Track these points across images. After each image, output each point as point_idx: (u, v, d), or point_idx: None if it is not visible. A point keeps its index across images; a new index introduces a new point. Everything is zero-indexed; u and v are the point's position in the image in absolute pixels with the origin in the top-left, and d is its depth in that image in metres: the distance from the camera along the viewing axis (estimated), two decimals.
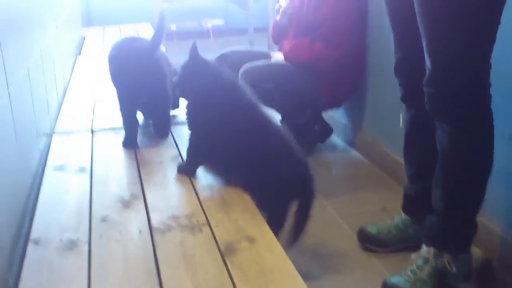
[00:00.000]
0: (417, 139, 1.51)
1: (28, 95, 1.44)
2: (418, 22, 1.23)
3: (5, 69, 1.16)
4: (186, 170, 1.41)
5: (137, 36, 1.86)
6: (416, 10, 1.23)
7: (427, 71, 1.25)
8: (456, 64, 1.20)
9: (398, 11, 1.41)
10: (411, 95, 1.48)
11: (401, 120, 1.91)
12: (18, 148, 1.24)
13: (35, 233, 1.12)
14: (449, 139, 1.26)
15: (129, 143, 1.60)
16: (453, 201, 1.31)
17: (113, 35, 3.50)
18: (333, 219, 1.83)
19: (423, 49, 1.25)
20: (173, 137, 1.71)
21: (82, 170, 1.46)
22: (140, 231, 1.14)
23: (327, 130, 2.48)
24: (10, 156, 1.15)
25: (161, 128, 1.68)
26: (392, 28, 1.46)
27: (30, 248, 1.06)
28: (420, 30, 1.23)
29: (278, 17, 2.40)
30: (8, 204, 1.09)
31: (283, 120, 2.61)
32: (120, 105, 1.60)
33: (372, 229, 1.63)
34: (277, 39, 2.50)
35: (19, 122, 1.26)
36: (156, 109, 1.66)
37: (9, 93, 1.17)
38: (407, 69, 1.45)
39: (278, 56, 2.37)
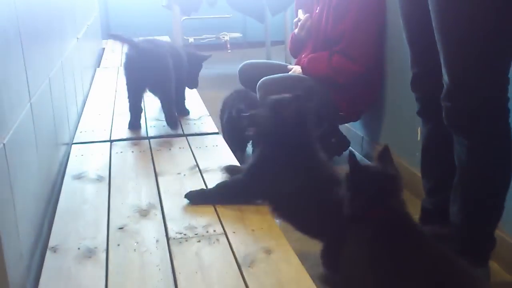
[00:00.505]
0: (435, 153, 1.50)
1: (49, 106, 1.46)
2: (436, 37, 1.22)
3: (27, 80, 1.18)
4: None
5: (154, 38, 2.00)
6: (434, 25, 1.22)
7: (444, 85, 1.24)
8: (474, 78, 1.19)
9: (415, 26, 1.41)
10: (428, 110, 1.47)
11: (419, 134, 1.90)
12: (38, 157, 1.25)
13: (53, 241, 1.13)
14: (467, 153, 1.25)
15: (133, 125, 1.90)
16: (471, 215, 1.30)
17: None
18: None
19: (439, 64, 1.24)
20: (190, 148, 1.72)
21: (100, 179, 1.47)
22: (157, 241, 1.14)
23: (344, 143, 2.46)
24: (30, 165, 1.17)
25: (168, 118, 1.86)
26: (409, 43, 1.45)
27: (48, 256, 1.08)
28: (438, 45, 1.23)
29: (296, 31, 2.42)
30: (27, 212, 1.11)
31: None
32: (127, 93, 1.88)
33: None
34: (295, 53, 2.51)
35: (40, 131, 1.28)
36: (161, 101, 1.89)
37: (31, 104, 1.20)
38: (424, 84, 1.44)
39: (296, 69, 2.38)
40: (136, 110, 1.90)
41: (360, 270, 1.09)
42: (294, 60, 2.57)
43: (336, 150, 2.45)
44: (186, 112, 2.08)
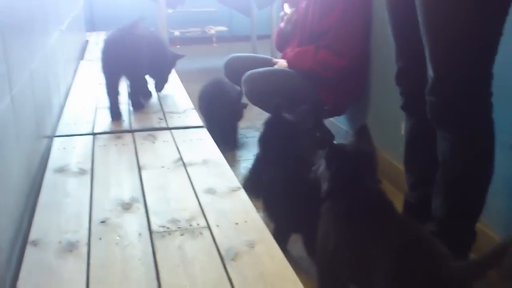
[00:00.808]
0: (418, 147, 1.52)
1: (31, 98, 1.44)
2: (422, 32, 1.23)
3: (8, 72, 1.16)
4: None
5: (133, 26, 2.05)
6: (420, 19, 1.23)
7: (429, 80, 1.25)
8: (459, 73, 1.21)
9: (400, 20, 1.42)
10: (412, 104, 1.48)
11: (402, 128, 1.91)
12: (19, 150, 1.24)
13: (34, 234, 1.12)
14: (450, 147, 1.27)
15: (114, 113, 1.95)
16: (454, 208, 1.31)
17: None
18: None
19: (424, 59, 1.25)
20: (174, 141, 1.71)
21: (82, 172, 1.46)
22: (140, 234, 1.13)
23: (329, 137, 2.47)
24: (10, 157, 1.16)
25: (132, 101, 2.05)
26: (394, 38, 1.46)
27: (29, 249, 1.06)
28: (423, 40, 1.24)
29: (282, 25, 2.41)
30: (7, 205, 1.09)
31: None
32: (104, 79, 1.99)
33: None
34: (281, 46, 2.50)
35: (21, 124, 1.27)
36: (130, 85, 2.05)
37: (11, 96, 1.18)
38: (408, 78, 1.45)
39: (281, 63, 2.38)
40: (113, 95, 1.97)
41: (334, 245, 1.15)
42: (280, 54, 2.57)
43: (321, 144, 2.46)
44: (162, 88, 2.26)
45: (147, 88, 2.24)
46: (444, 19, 1.19)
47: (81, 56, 3.13)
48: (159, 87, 2.28)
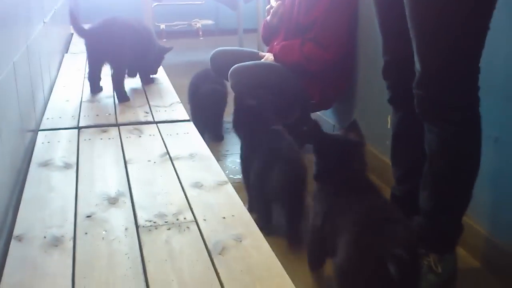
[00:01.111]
0: (405, 141, 1.52)
1: (14, 91, 1.42)
2: (409, 25, 1.23)
3: None
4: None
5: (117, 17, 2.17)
6: (407, 13, 1.23)
7: (417, 73, 1.25)
8: (446, 67, 1.21)
9: (387, 13, 1.41)
10: (398, 97, 1.49)
11: (389, 122, 1.92)
12: (2, 144, 1.22)
13: (18, 229, 1.10)
14: (437, 141, 1.27)
15: (93, 89, 2.14)
16: (440, 202, 1.32)
17: None
18: None
19: (411, 52, 1.26)
20: (161, 135, 1.70)
21: (67, 166, 1.44)
22: (126, 229, 1.13)
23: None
24: None
25: (116, 90, 2.10)
26: (381, 31, 1.46)
27: (13, 244, 1.05)
28: (411, 33, 1.24)
29: (268, 18, 2.40)
30: None
31: None
32: (88, 63, 2.17)
33: None
34: (268, 40, 2.49)
35: (4, 118, 1.24)
36: (112, 72, 2.12)
37: None
38: (395, 72, 1.46)
39: (268, 57, 2.37)
40: (94, 79, 2.15)
41: (323, 221, 1.25)
42: (266, 48, 2.56)
43: (308, 137, 2.47)
44: (151, 81, 2.35)
45: (135, 75, 2.32)
46: (431, 13, 1.19)
47: (66, 49, 3.09)
48: (146, 79, 2.32)
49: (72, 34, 3.56)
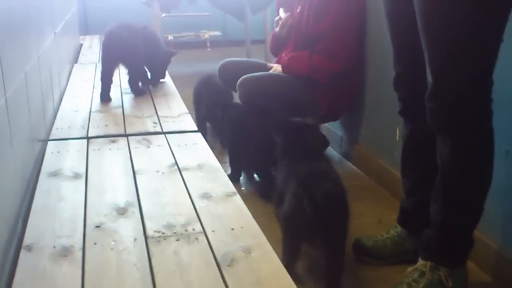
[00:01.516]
0: (416, 152, 1.51)
1: (25, 101, 1.43)
2: (421, 37, 1.23)
3: (2, 74, 1.15)
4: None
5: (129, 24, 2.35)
6: (419, 25, 1.23)
7: (429, 86, 1.25)
8: (458, 80, 1.20)
9: (399, 25, 1.41)
10: (410, 109, 1.48)
11: (398, 134, 1.92)
12: (13, 153, 1.22)
13: (28, 239, 1.10)
14: (450, 153, 1.26)
15: (103, 96, 2.22)
16: (451, 215, 1.31)
17: None
18: None
19: (423, 63, 1.25)
20: (169, 145, 1.71)
21: (77, 176, 1.45)
22: (135, 239, 1.12)
23: (324, 142, 2.48)
24: (5, 161, 1.14)
25: (131, 85, 2.30)
26: (393, 42, 1.46)
27: (23, 254, 1.05)
28: (423, 45, 1.23)
29: (277, 29, 2.41)
30: (2, 209, 1.08)
31: None
32: (101, 66, 2.29)
33: (367, 242, 1.62)
34: (276, 51, 2.50)
35: (15, 127, 1.25)
36: (128, 73, 2.32)
37: (6, 98, 1.16)
38: (407, 83, 1.45)
39: (276, 68, 2.38)
40: (106, 81, 2.24)
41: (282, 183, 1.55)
42: (274, 59, 2.57)
43: (315, 149, 2.46)
44: (158, 81, 2.51)
45: (147, 77, 2.47)
46: (443, 25, 1.19)
47: (75, 60, 3.12)
48: (154, 79, 2.49)
49: (82, 44, 3.60)
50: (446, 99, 1.22)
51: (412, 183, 1.54)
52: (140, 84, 2.36)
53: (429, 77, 1.24)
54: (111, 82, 2.25)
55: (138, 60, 2.31)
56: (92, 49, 3.48)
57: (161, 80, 2.54)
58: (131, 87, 2.30)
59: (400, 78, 1.46)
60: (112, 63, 2.26)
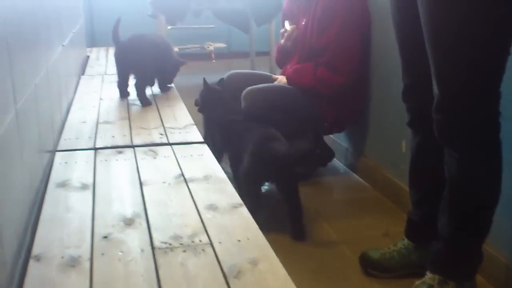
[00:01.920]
0: (424, 164, 1.51)
1: (34, 112, 1.44)
2: (427, 49, 1.24)
3: (13, 86, 1.17)
4: None
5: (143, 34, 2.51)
6: (425, 37, 1.24)
7: (435, 97, 1.25)
8: (465, 92, 1.20)
9: (407, 36, 1.42)
10: (418, 121, 1.47)
11: (403, 145, 1.92)
12: (22, 163, 1.23)
13: (36, 249, 1.11)
14: (457, 166, 1.26)
15: (121, 94, 2.45)
16: (460, 228, 1.30)
17: None
18: (334, 243, 1.82)
19: (430, 75, 1.26)
20: (175, 156, 1.72)
21: (84, 187, 1.45)
22: (142, 250, 1.13)
23: (329, 154, 2.48)
24: (15, 171, 1.15)
25: (138, 96, 2.40)
26: (401, 54, 1.46)
27: (32, 264, 1.05)
28: (429, 57, 1.24)
29: (282, 41, 2.43)
30: (11, 220, 1.09)
31: None
32: (117, 73, 2.49)
33: (374, 254, 1.61)
34: (281, 63, 2.52)
35: (25, 138, 1.27)
36: (135, 80, 2.46)
37: (16, 110, 1.18)
38: (415, 95, 1.45)
39: (281, 79, 2.40)
40: (122, 86, 2.46)
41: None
42: (279, 71, 2.59)
43: (321, 160, 2.47)
44: (167, 88, 2.64)
45: (153, 84, 2.62)
46: (449, 36, 1.19)
47: (82, 71, 3.14)
48: (163, 86, 2.61)
49: (88, 56, 3.63)
50: (453, 112, 1.22)
51: (420, 195, 1.54)
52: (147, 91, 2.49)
53: (435, 89, 1.24)
54: (127, 86, 2.46)
55: (145, 72, 2.43)
56: (99, 61, 3.51)
57: (168, 85, 2.66)
58: (138, 97, 2.39)
59: (409, 89, 1.46)
60: (124, 72, 2.45)
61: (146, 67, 2.43)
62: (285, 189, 1.92)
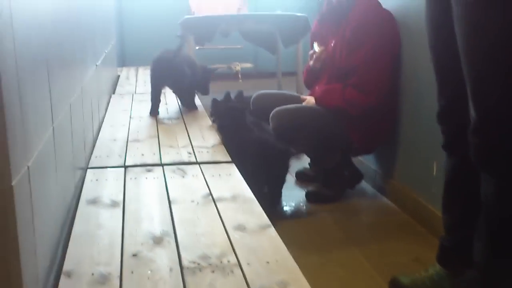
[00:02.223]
0: (459, 188, 1.46)
1: (69, 131, 1.48)
2: (464, 71, 1.22)
3: (51, 105, 1.20)
4: None
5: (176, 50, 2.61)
6: (461, 58, 1.22)
7: (472, 120, 1.23)
8: (502, 115, 1.18)
9: (443, 58, 1.40)
10: (454, 143, 1.44)
11: (434, 168, 1.89)
12: (57, 180, 1.26)
13: (67, 265, 1.12)
14: (494, 191, 1.22)
15: (153, 112, 2.56)
16: (496, 255, 1.26)
17: (146, 76, 3.61)
18: (363, 268, 1.79)
19: (467, 97, 1.24)
20: (203, 175, 1.73)
21: (114, 204, 1.47)
22: (171, 269, 1.13)
23: (357, 176, 2.45)
24: (49, 188, 1.18)
25: (184, 104, 2.72)
26: (437, 75, 1.44)
27: (63, 280, 1.07)
28: (465, 79, 1.22)
29: (311, 63, 2.44)
30: (45, 236, 1.11)
31: (312, 163, 2.60)
32: (151, 87, 2.60)
33: (405, 280, 1.57)
34: (310, 84, 2.53)
35: (60, 155, 1.29)
36: (177, 95, 2.76)
37: (53, 128, 1.21)
38: (451, 117, 1.42)
39: (309, 100, 2.39)
40: (155, 100, 2.58)
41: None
42: (306, 91, 2.59)
43: (349, 182, 2.44)
44: (195, 107, 2.75)
45: (194, 101, 2.77)
46: (485, 59, 1.17)
47: (113, 90, 3.22)
48: (186, 102, 2.74)
49: (119, 76, 3.72)
50: (490, 135, 1.20)
51: (454, 220, 1.49)
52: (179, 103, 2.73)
53: (472, 112, 1.22)
54: (159, 101, 2.59)
55: (182, 84, 2.61)
56: (129, 80, 3.58)
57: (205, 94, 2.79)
58: (184, 104, 2.67)
59: (444, 111, 1.44)
60: (158, 86, 2.59)
61: (183, 80, 2.59)
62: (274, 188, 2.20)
